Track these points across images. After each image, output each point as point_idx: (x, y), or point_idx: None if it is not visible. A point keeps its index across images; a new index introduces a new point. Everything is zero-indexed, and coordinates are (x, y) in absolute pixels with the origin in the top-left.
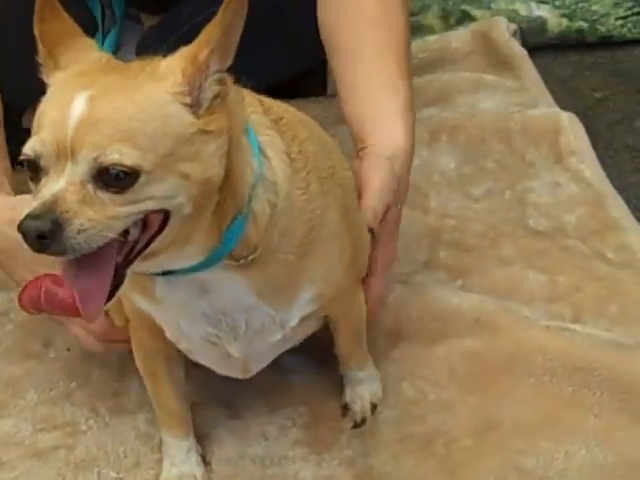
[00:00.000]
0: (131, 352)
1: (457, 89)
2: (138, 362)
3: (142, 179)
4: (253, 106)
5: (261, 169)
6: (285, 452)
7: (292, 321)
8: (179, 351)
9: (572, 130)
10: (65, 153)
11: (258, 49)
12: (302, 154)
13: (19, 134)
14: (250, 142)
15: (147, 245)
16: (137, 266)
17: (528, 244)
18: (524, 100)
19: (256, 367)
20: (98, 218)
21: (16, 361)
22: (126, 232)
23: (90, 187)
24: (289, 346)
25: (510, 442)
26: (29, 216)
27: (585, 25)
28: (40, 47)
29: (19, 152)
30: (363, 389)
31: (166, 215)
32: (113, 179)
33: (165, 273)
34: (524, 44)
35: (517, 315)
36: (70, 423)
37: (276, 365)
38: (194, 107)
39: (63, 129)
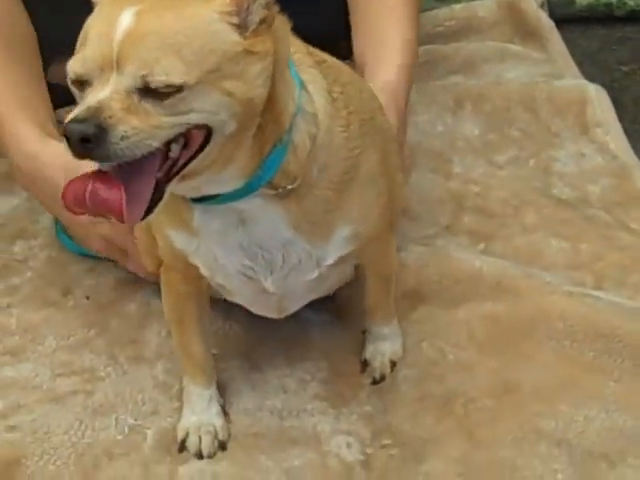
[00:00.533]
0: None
1: (483, 58)
2: (166, 307)
3: (186, 92)
4: (296, 45)
5: (301, 102)
6: (303, 405)
7: (328, 259)
8: (208, 298)
9: (598, 102)
10: (111, 65)
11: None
12: (344, 95)
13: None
14: (292, 75)
15: (188, 162)
16: (178, 186)
17: (551, 213)
18: (550, 71)
19: (290, 306)
20: (142, 126)
21: (35, 308)
22: (168, 149)
23: (135, 97)
24: (322, 291)
25: (529, 405)
26: (74, 120)
27: None
28: None
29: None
30: (385, 346)
31: (208, 132)
32: (156, 91)
33: (204, 199)
34: (551, 16)
35: (539, 280)
36: (88, 370)
37: (296, 319)
38: (241, 28)
39: (109, 42)
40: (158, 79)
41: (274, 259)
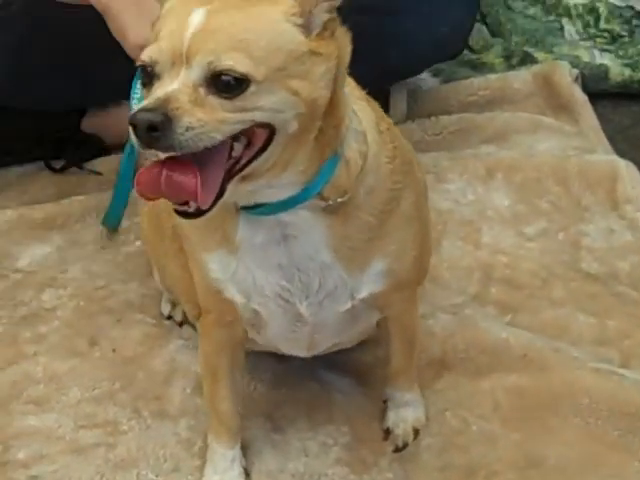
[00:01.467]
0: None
1: (515, 129)
2: (201, 358)
3: (252, 88)
4: (349, 80)
5: (351, 121)
6: (325, 470)
7: (362, 291)
8: (243, 352)
9: (629, 178)
10: (181, 60)
11: None
12: (390, 131)
13: (78, 136)
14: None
15: (250, 161)
16: (237, 189)
17: (579, 287)
18: (582, 145)
19: (320, 342)
20: (207, 119)
21: (61, 358)
22: (231, 148)
23: (202, 91)
24: (348, 336)
25: None
26: (142, 109)
27: None
28: None
29: (77, 155)
30: (407, 413)
31: (271, 132)
32: (225, 85)
33: (253, 208)
34: (584, 90)
35: (565, 355)
36: (112, 422)
37: (319, 382)
38: (305, 29)
39: (180, 37)
40: (224, 64)
41: (311, 282)
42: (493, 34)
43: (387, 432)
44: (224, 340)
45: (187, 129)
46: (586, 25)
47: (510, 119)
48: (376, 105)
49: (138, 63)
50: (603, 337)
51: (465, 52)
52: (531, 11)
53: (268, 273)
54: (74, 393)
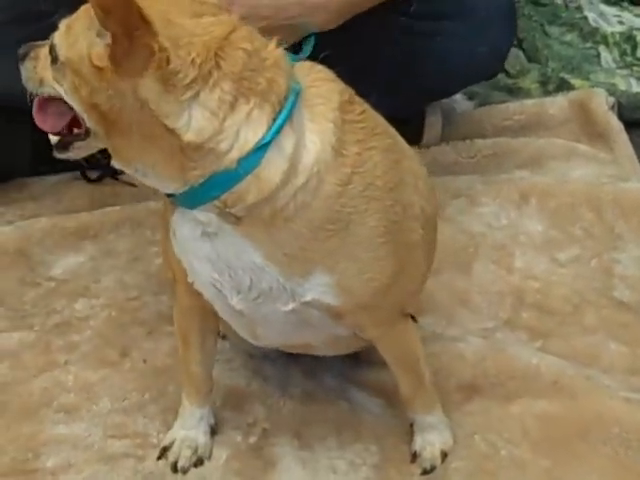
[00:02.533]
0: None
1: (550, 155)
2: (175, 324)
3: (58, 64)
4: (328, 101)
5: (270, 139)
6: None
7: (306, 296)
8: (215, 320)
9: None
10: None
11: (364, 87)
12: (360, 156)
13: None
14: (261, 114)
15: (81, 136)
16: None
17: (611, 315)
18: (616, 173)
19: (265, 336)
20: (36, 72)
21: (92, 367)
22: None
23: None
24: (317, 342)
25: None
26: (29, 44)
27: None
28: None
29: (113, 166)
30: (433, 436)
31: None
32: (51, 51)
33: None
34: (620, 118)
35: (596, 383)
36: (141, 434)
37: (349, 401)
38: (99, 36)
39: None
40: (54, 35)
41: (241, 280)
42: (530, 59)
43: (415, 455)
44: (193, 307)
45: (25, 69)
46: (623, 53)
47: (545, 145)
48: (370, 129)
49: None
50: (635, 366)
51: (501, 76)
52: (568, 38)
53: (202, 262)
54: (104, 403)
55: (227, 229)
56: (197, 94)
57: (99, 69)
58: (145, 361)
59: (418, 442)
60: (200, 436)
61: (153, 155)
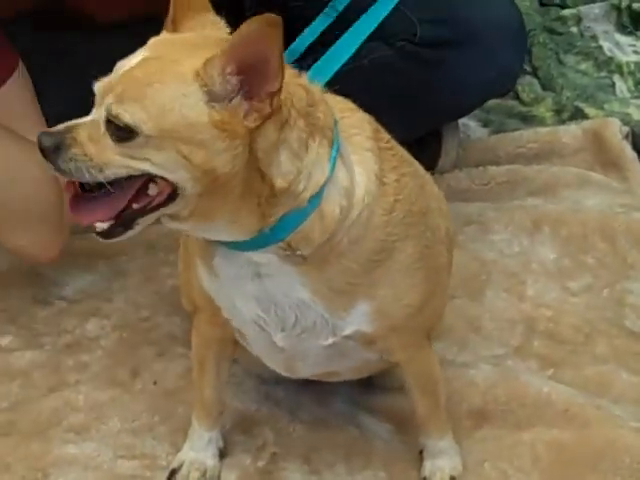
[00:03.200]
0: None
1: (563, 183)
2: (193, 347)
3: (140, 140)
4: (362, 130)
5: (335, 175)
6: None
7: (346, 329)
8: (233, 348)
9: None
10: (101, 100)
11: (374, 113)
12: (398, 183)
13: None
14: (324, 150)
15: (161, 206)
16: (175, 224)
17: (623, 344)
18: (630, 203)
19: (302, 369)
20: (93, 156)
21: (102, 387)
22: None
23: (103, 129)
24: (344, 369)
25: None
26: (46, 132)
27: None
28: (170, 11)
29: None
30: (443, 462)
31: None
32: (116, 129)
33: (223, 244)
34: (634, 148)
35: (607, 412)
36: (150, 456)
37: (359, 427)
38: (212, 99)
39: (110, 78)
40: (115, 111)
41: (287, 317)
42: (544, 87)
43: None
44: (213, 336)
45: (71, 159)
46: (637, 83)
47: (558, 173)
48: (399, 155)
49: None
50: None
51: (515, 104)
52: (583, 66)
53: (246, 300)
54: (114, 423)
55: (285, 269)
56: (285, 137)
57: (227, 131)
58: (155, 382)
59: (428, 467)
60: (209, 459)
61: (240, 210)
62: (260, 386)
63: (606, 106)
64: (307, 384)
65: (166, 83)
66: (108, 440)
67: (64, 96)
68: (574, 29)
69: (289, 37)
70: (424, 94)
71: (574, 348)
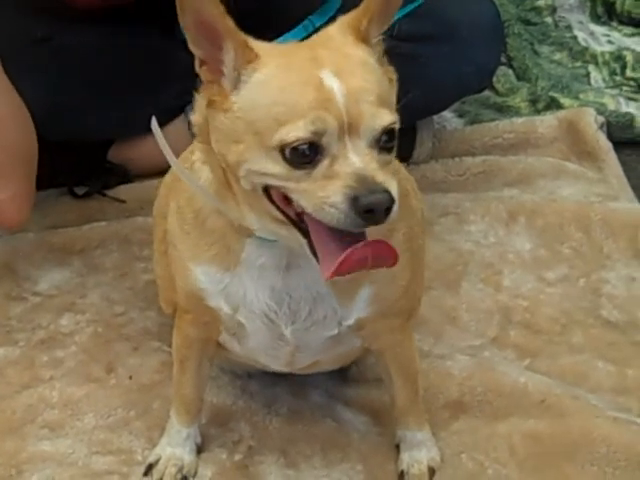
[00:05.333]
0: None
1: (539, 173)
2: (174, 345)
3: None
4: None
5: None
6: None
7: (349, 319)
8: (214, 349)
9: None
10: (343, 130)
11: None
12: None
13: (104, 165)
14: None
15: None
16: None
17: (599, 334)
18: (605, 192)
19: (300, 361)
20: (391, 179)
21: (77, 383)
22: None
23: (375, 154)
24: (329, 358)
25: None
26: (378, 190)
27: None
28: (235, 39)
29: (101, 183)
30: (420, 453)
31: None
32: (387, 140)
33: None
34: (609, 138)
35: (584, 402)
36: (126, 451)
37: (335, 419)
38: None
39: (335, 105)
40: (386, 119)
41: (299, 310)
42: (519, 78)
43: (402, 474)
44: (196, 337)
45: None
46: (612, 73)
47: (534, 163)
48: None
49: (296, 143)
50: (622, 386)
51: (490, 95)
52: (557, 57)
53: (259, 291)
54: (89, 419)
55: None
56: None
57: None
58: (131, 377)
59: (405, 460)
60: (186, 454)
61: None
62: (235, 380)
63: (581, 96)
64: (282, 377)
65: (374, 73)
66: (83, 436)
67: (44, 81)
68: (549, 19)
69: (272, 31)
70: (401, 91)
71: (550, 338)
